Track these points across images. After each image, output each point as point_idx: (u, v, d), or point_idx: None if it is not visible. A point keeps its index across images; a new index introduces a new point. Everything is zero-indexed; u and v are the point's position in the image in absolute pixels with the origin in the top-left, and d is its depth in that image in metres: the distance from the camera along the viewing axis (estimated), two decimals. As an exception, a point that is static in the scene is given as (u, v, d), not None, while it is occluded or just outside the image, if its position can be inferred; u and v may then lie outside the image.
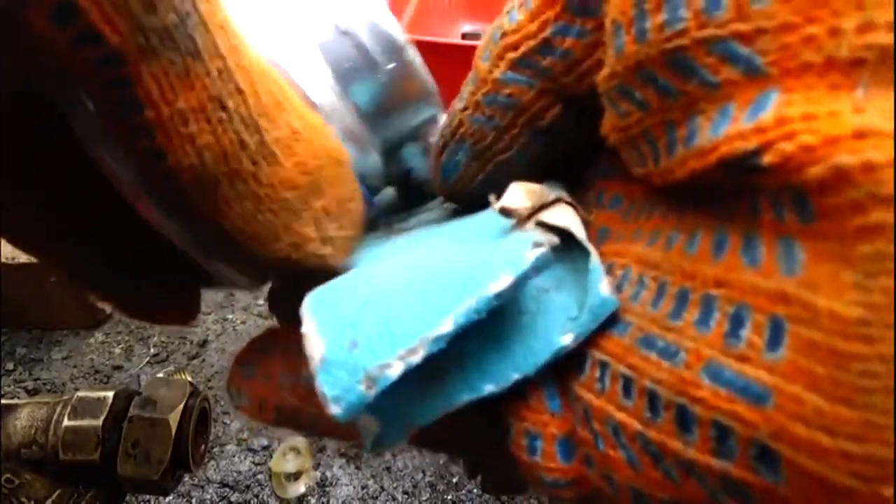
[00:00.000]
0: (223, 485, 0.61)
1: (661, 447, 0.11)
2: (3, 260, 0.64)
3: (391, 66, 0.19)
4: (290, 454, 0.63)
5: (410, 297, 0.13)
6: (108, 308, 0.74)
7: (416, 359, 0.12)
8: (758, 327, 0.10)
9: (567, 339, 0.13)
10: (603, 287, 0.13)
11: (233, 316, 0.77)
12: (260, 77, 0.14)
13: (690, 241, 0.11)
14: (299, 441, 0.64)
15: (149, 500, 0.60)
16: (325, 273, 0.16)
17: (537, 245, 0.13)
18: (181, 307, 0.21)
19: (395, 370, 0.12)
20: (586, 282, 0.13)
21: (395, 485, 0.63)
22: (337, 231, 0.16)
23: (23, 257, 0.64)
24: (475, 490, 0.63)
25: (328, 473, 0.63)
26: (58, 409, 0.40)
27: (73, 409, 0.40)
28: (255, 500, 0.60)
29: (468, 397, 0.13)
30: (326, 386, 0.12)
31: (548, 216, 0.14)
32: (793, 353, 0.09)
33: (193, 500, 0.60)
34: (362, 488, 0.62)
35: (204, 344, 0.73)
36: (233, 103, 0.13)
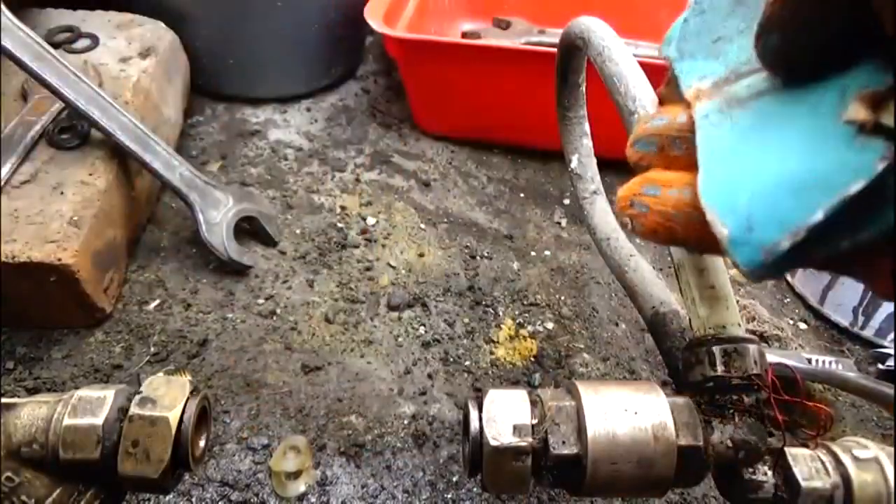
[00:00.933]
0: (223, 483, 0.61)
1: None
2: (3, 259, 0.64)
3: None
4: (290, 453, 0.63)
5: (785, 193, 0.20)
6: (107, 307, 0.74)
7: (798, 238, 0.19)
8: None
9: None
10: None
11: (233, 315, 0.77)
12: None
13: None
14: (299, 440, 0.64)
15: (149, 499, 0.60)
16: None
17: (885, 158, 0.18)
18: None
19: (785, 246, 0.20)
20: None
21: (395, 483, 0.63)
22: None
23: (22, 257, 0.64)
24: (475, 489, 0.63)
25: (328, 472, 0.63)
26: (58, 408, 0.40)
27: (73, 407, 0.40)
28: (255, 498, 0.61)
29: None
30: (738, 257, 0.21)
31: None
32: None
33: (194, 499, 0.60)
34: (362, 487, 0.62)
35: (204, 343, 0.73)
36: None
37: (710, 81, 0.26)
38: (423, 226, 0.93)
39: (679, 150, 0.26)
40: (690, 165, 0.24)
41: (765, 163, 0.21)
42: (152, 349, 0.72)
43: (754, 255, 0.20)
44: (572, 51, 0.57)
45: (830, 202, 0.18)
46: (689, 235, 0.24)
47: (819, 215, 0.19)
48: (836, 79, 0.21)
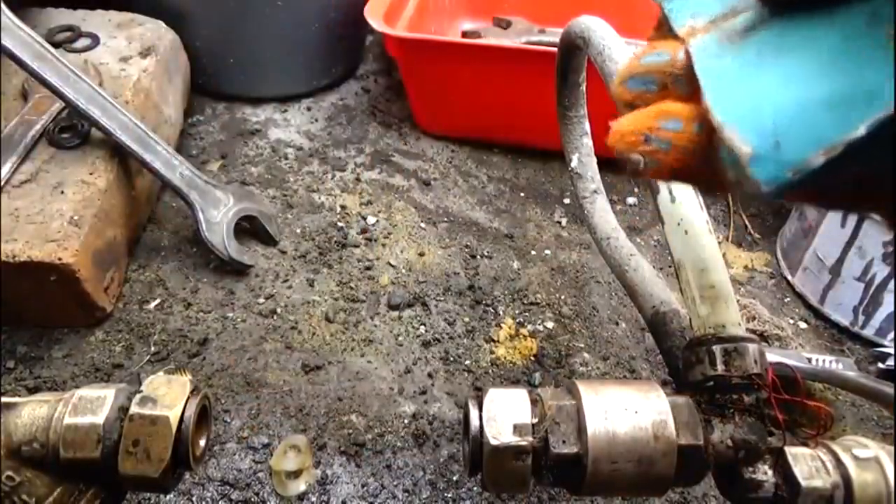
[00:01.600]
0: (224, 482, 0.61)
1: None
2: (3, 259, 0.64)
3: None
4: (291, 452, 0.63)
5: (819, 107, 0.18)
6: (108, 306, 0.74)
7: (835, 154, 0.18)
8: None
9: None
10: None
11: (233, 314, 0.77)
12: None
13: None
14: (299, 439, 0.64)
15: (149, 498, 0.60)
16: None
17: None
18: None
19: (818, 162, 0.18)
20: None
21: (395, 483, 0.63)
22: None
23: (23, 256, 0.64)
24: (475, 488, 0.63)
25: (328, 471, 0.63)
26: (58, 407, 0.40)
27: (74, 406, 0.40)
28: (256, 498, 0.61)
29: None
30: (760, 175, 0.19)
31: None
32: None
33: (194, 499, 0.60)
34: (362, 486, 0.62)
35: (204, 342, 0.73)
36: None
37: (705, 19, 0.25)
38: (423, 225, 0.93)
39: (683, 90, 0.24)
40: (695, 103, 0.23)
41: (789, 81, 0.20)
42: (153, 348, 0.72)
43: (779, 172, 0.19)
44: (573, 50, 0.57)
45: (875, 116, 0.17)
46: (702, 172, 0.22)
47: (861, 130, 0.18)
48: (854, 7, 0.20)
